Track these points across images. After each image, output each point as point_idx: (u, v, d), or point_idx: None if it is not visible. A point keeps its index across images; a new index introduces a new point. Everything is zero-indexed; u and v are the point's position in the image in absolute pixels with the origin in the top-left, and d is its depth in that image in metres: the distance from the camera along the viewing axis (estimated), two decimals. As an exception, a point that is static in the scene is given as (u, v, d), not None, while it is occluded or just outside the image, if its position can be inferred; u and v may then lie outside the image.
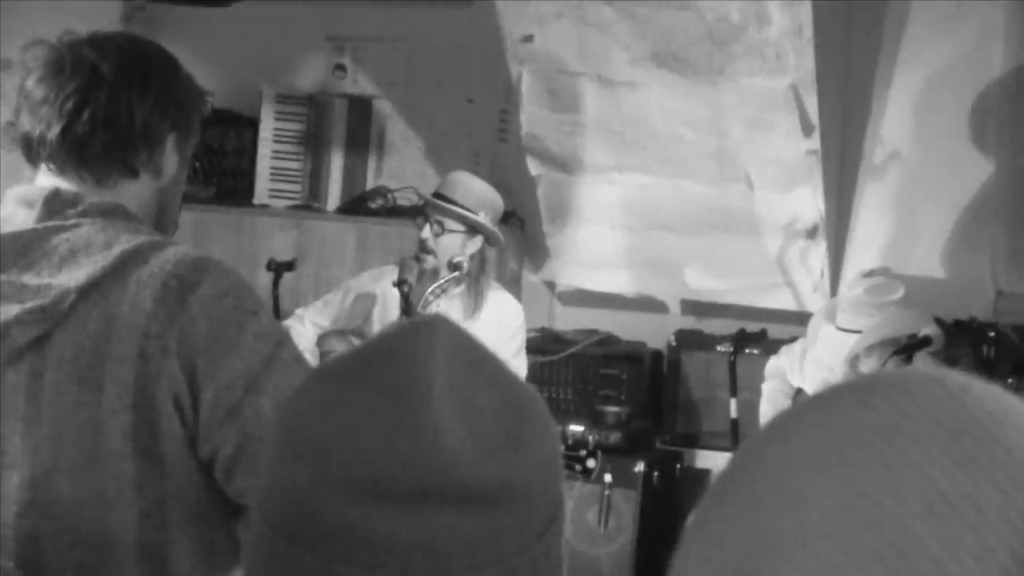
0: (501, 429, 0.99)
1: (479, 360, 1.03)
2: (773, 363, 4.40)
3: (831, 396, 0.73)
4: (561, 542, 1.06)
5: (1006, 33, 4.67)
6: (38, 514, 2.00)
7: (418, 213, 4.28)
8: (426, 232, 4.12)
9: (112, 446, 1.97)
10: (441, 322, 1.04)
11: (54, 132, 2.04)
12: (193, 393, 1.96)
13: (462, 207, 4.14)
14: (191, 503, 2.02)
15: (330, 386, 1.00)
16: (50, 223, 2.02)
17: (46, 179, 2.08)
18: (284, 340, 2.05)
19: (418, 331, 1.02)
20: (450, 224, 4.13)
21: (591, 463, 3.34)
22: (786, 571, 0.66)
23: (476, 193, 4.21)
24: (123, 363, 1.95)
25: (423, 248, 4.12)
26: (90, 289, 1.97)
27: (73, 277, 1.97)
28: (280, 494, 0.99)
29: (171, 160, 2.15)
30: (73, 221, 2.02)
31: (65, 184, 2.07)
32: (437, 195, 4.19)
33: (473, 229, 4.16)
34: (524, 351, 4.31)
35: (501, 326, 4.18)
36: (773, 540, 0.67)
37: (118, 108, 2.06)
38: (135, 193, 2.11)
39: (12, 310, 1.97)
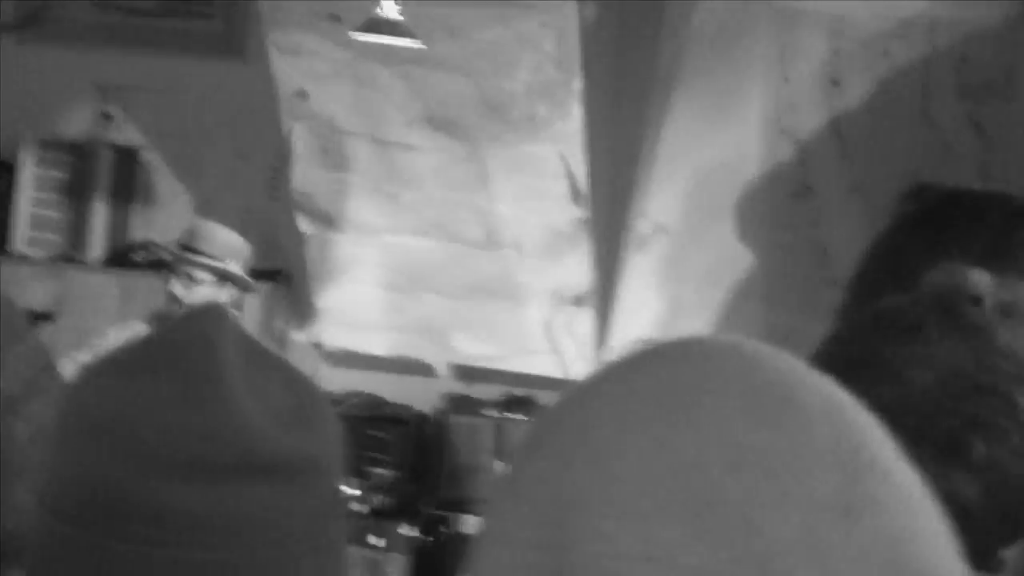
0: (291, 407, 0.99)
1: (260, 348, 1.04)
2: None
3: (631, 360, 0.75)
4: (345, 530, 1.07)
5: (762, 131, 4.89)
6: None
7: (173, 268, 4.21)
8: (177, 288, 4.07)
9: None
10: (220, 312, 1.04)
11: None
12: None
13: (209, 256, 4.11)
14: None
15: (118, 373, 0.98)
16: None
17: None
18: (49, 367, 2.00)
19: (202, 319, 1.01)
20: (199, 275, 4.08)
21: (356, 507, 3.31)
22: (594, 521, 0.68)
23: (221, 241, 4.18)
24: None
25: (176, 304, 4.07)
26: None
27: None
28: (75, 481, 0.95)
29: None
30: None
31: None
32: (182, 247, 4.14)
33: (223, 277, 4.13)
34: None
35: None
36: (580, 492, 0.69)
37: None
38: None
39: None
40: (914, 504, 0.71)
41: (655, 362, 0.74)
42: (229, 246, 4.18)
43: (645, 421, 0.70)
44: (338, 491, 1.05)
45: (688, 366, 0.72)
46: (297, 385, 1.03)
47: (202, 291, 4.08)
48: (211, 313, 1.03)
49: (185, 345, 0.98)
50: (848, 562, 0.67)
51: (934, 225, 1.65)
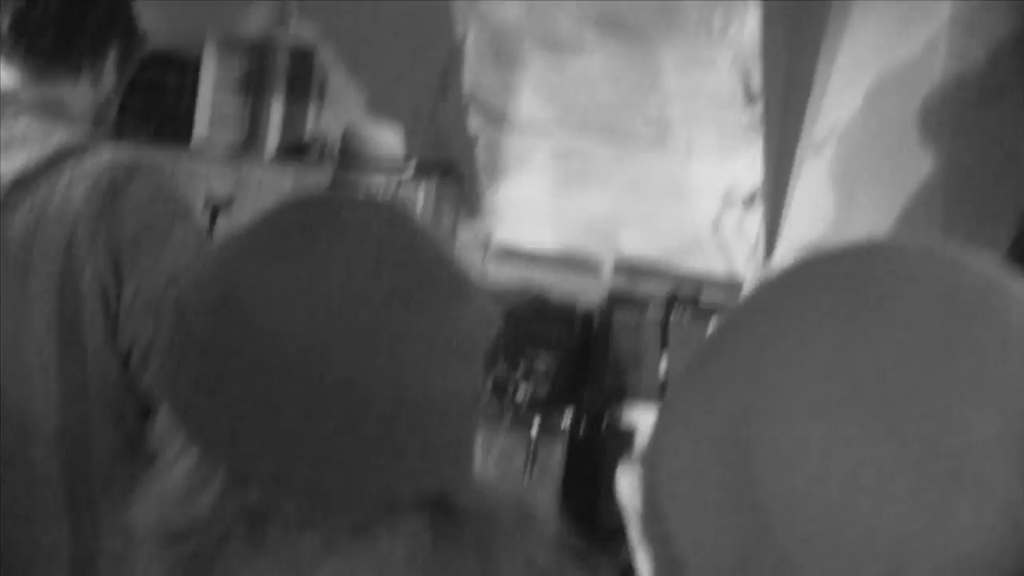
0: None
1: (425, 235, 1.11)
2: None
3: (824, 259, 0.74)
4: None
5: (950, 32, 4.73)
6: None
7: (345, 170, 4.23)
8: None
9: (35, 332, 1.98)
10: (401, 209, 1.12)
11: (5, 23, 2.09)
12: (118, 284, 1.98)
13: (395, 165, 4.12)
14: (111, 397, 2.03)
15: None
16: None
17: None
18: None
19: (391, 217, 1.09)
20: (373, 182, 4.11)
21: (520, 395, 3.33)
22: (783, 415, 0.67)
23: (396, 143, 4.19)
24: (50, 253, 1.98)
25: None
26: (25, 179, 1.99)
27: (9, 168, 1.99)
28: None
29: (110, 75, 2.21)
30: (12, 110, 2.05)
31: (8, 77, 2.11)
32: (363, 164, 4.13)
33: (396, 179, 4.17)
34: None
35: None
36: (771, 387, 0.68)
37: (71, 7, 2.12)
38: (74, 96, 2.15)
39: None
40: None
41: (848, 262, 0.73)
42: (389, 144, 4.20)
43: (837, 318, 0.69)
44: None
45: (883, 266, 0.71)
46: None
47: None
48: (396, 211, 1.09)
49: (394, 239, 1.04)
50: None
51: None
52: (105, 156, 2.05)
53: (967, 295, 0.69)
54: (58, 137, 2.05)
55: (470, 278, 1.08)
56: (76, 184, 2.00)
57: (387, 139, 4.22)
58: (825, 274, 0.72)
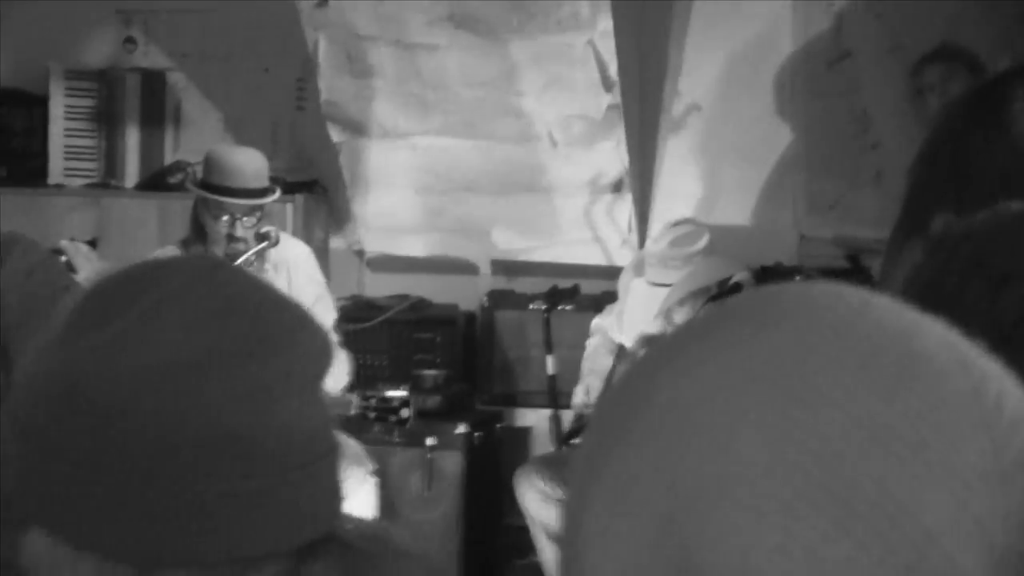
0: None
1: None
2: (597, 321, 4.44)
3: (726, 317, 0.67)
4: None
5: (795, 2, 4.80)
6: None
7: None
8: (239, 230, 3.96)
9: None
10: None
11: None
12: (5, 369, 1.91)
13: (261, 190, 4.02)
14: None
15: None
16: None
17: None
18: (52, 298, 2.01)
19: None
20: (239, 207, 4.00)
21: (405, 413, 3.32)
22: (724, 515, 0.61)
23: (261, 167, 4.06)
24: None
25: (239, 240, 3.96)
26: None
27: None
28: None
29: None
30: None
31: None
32: (228, 189, 3.99)
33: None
34: (328, 293, 4.24)
35: (296, 268, 4.09)
36: (702, 485, 0.62)
37: None
38: None
39: None
40: None
41: (750, 323, 0.65)
42: (265, 167, 4.10)
43: (761, 401, 0.62)
44: None
45: (790, 326, 0.64)
46: None
47: (253, 219, 4.00)
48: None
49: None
50: (1010, 533, 0.60)
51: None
52: None
53: (889, 353, 0.62)
54: None
55: (296, 314, 1.05)
56: None
57: (250, 159, 4.12)
58: (730, 345, 0.64)
